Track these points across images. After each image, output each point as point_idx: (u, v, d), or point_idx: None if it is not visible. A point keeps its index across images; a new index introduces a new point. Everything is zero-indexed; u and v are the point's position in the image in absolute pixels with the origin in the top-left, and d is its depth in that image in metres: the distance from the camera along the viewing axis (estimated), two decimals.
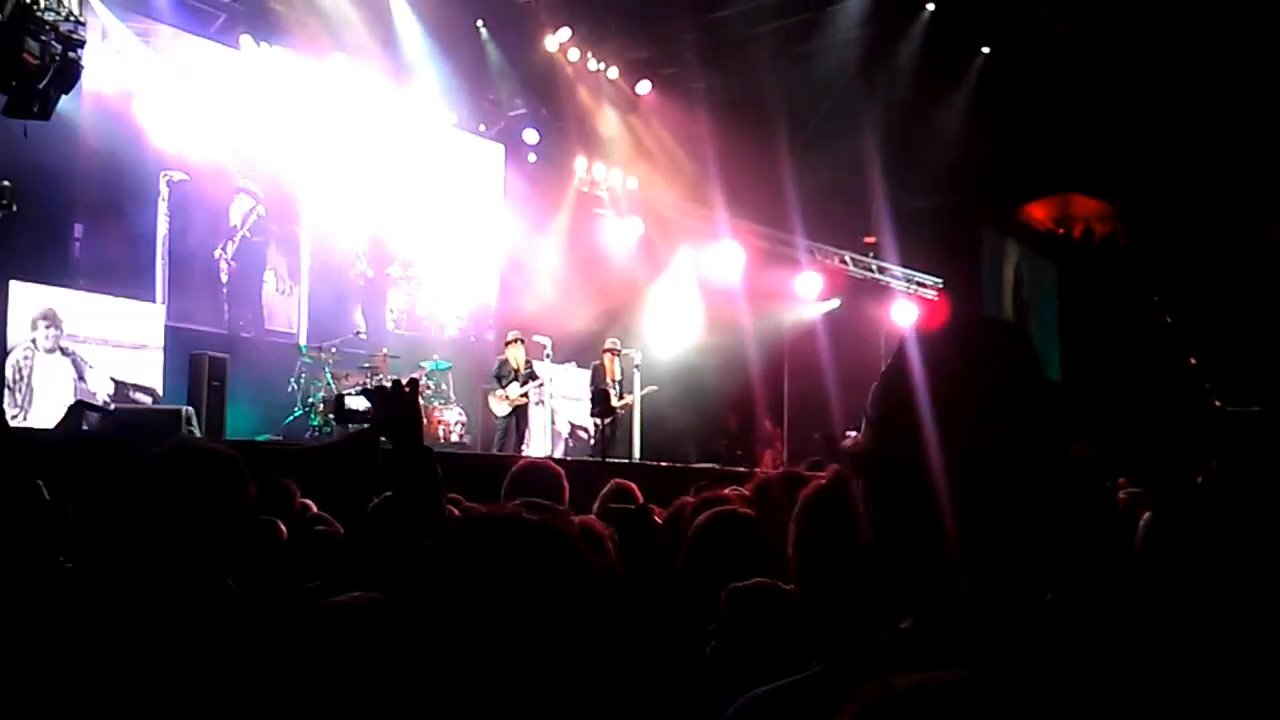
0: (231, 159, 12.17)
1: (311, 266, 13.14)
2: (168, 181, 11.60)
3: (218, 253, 12.16)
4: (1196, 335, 15.07)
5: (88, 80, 10.24)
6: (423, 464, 2.33)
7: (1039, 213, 19.38)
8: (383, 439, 2.45)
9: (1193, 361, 14.74)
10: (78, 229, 10.68)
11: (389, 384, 2.44)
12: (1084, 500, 1.23)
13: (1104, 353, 16.87)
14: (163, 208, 11.58)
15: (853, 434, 1.42)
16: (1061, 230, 19.35)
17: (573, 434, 14.76)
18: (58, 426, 6.99)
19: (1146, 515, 2.75)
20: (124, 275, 10.73)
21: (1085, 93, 14.34)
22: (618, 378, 12.91)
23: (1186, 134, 14.45)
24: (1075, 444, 1.23)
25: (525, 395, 12.46)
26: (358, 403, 10.46)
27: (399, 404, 2.39)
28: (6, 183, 8.53)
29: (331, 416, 11.23)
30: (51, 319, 9.84)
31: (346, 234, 13.56)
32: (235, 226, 12.35)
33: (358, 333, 12.59)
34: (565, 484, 3.72)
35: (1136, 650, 1.35)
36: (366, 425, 2.53)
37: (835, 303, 17.38)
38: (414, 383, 2.44)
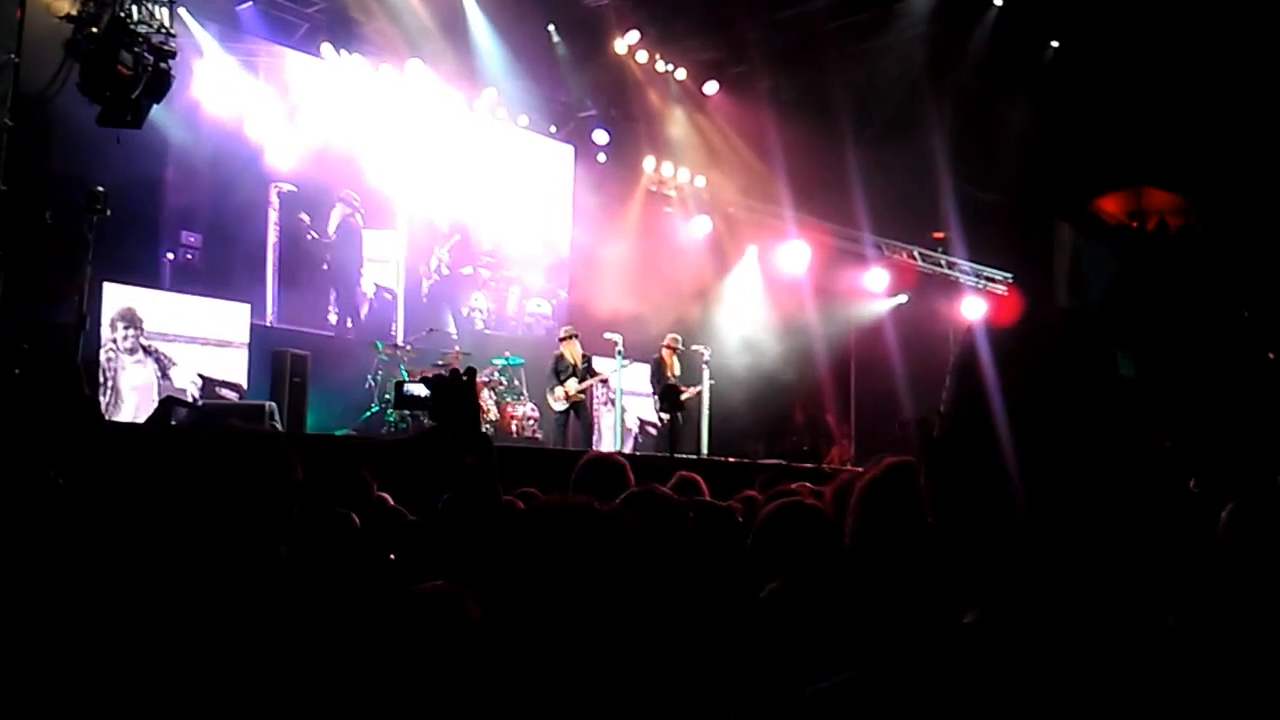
0: (329, 168, 12.58)
1: (405, 268, 13.53)
2: (278, 193, 12.09)
3: (322, 264, 12.60)
4: (1275, 330, 14.82)
5: (199, 94, 10.84)
6: (479, 452, 2.31)
7: (1110, 206, 19.07)
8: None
9: (1271, 356, 14.50)
10: (192, 237, 11.12)
11: (447, 373, 2.43)
12: (1161, 494, 1.22)
13: (1180, 348, 16.61)
14: (273, 217, 12.07)
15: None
16: (1134, 224, 19.05)
17: (642, 429, 14.91)
18: (149, 420, 7.29)
19: (1227, 511, 2.75)
20: (233, 280, 11.19)
21: (1156, 84, 14.13)
22: (677, 373, 12.95)
23: (1261, 124, 14.19)
24: (1154, 437, 1.22)
25: (582, 392, 12.50)
26: (417, 389, 10.71)
27: (456, 392, 2.37)
28: (100, 188, 8.77)
29: (391, 404, 11.45)
30: (129, 319, 10.11)
31: (429, 235, 13.90)
32: (335, 233, 12.77)
33: (430, 329, 12.84)
34: (630, 476, 3.72)
35: (1217, 648, 1.29)
36: (424, 411, 2.50)
37: (903, 298, 17.31)
38: (471, 371, 2.43)
